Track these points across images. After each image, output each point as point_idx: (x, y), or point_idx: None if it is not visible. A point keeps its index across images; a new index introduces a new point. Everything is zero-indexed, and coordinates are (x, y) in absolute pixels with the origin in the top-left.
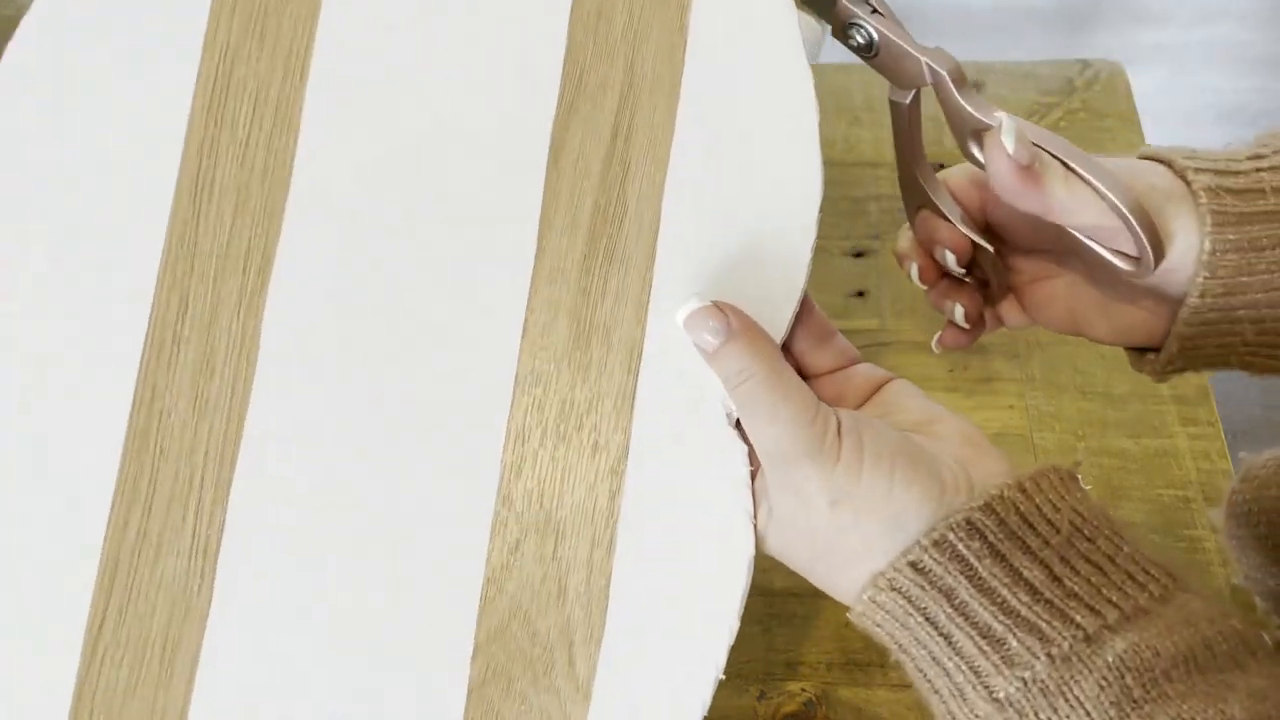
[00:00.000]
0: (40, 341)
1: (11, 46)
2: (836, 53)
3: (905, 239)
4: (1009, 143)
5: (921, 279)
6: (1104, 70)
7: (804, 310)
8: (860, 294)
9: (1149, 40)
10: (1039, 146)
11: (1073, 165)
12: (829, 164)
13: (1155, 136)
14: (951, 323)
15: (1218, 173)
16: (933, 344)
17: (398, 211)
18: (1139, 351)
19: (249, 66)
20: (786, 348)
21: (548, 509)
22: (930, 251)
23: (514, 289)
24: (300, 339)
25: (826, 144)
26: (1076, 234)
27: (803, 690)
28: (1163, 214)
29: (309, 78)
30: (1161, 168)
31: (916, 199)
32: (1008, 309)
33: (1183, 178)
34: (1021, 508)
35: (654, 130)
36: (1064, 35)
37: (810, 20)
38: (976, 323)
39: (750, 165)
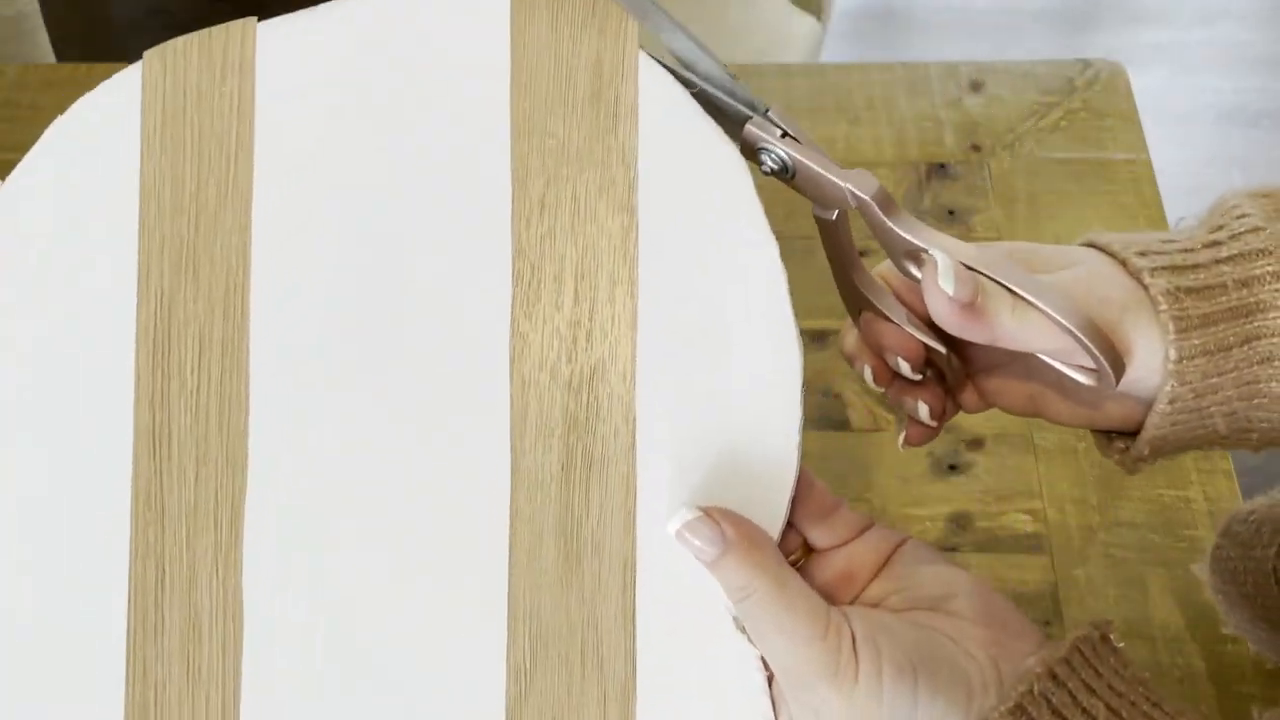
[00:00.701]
0: (22, 623)
1: None
2: (836, 53)
3: (851, 339)
4: (947, 285)
5: (876, 381)
6: (1104, 70)
7: (804, 487)
8: None
9: (1149, 40)
10: (980, 272)
11: (1018, 290)
12: None
13: (1155, 136)
14: (914, 419)
15: (1174, 270)
16: (899, 444)
17: (361, 446)
18: (1105, 435)
19: (187, 310)
20: (791, 524)
21: None
22: (879, 354)
23: (493, 510)
24: (283, 592)
25: (827, 144)
26: (1035, 354)
27: None
28: (1121, 325)
29: (250, 314)
30: (1113, 270)
31: (857, 303)
32: (965, 395)
33: (1138, 280)
34: (1054, 700)
35: (617, 324)
36: (1064, 35)
37: (810, 20)
38: (940, 416)
39: (721, 349)
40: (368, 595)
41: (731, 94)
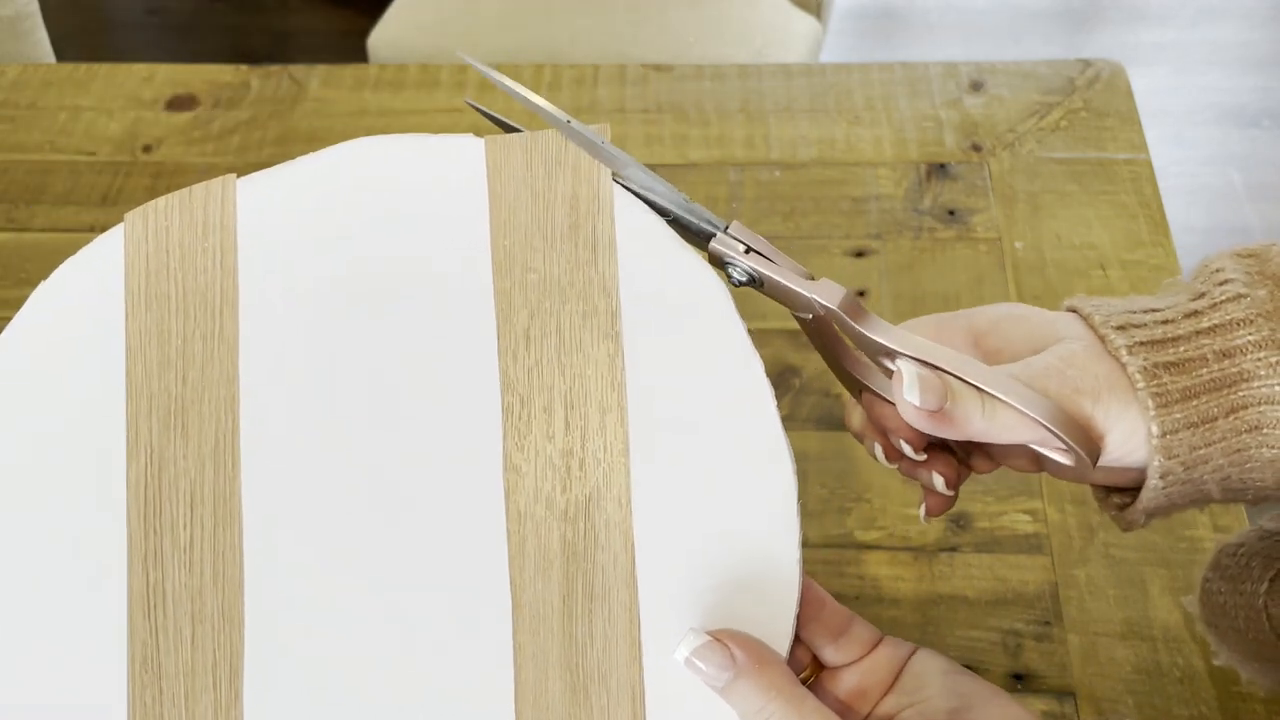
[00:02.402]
0: None
1: None
2: (836, 52)
3: (857, 417)
4: (913, 397)
5: (888, 460)
6: (1104, 70)
7: (815, 606)
8: (860, 294)
9: (1149, 40)
10: (949, 373)
11: (987, 389)
12: (829, 164)
13: (1155, 136)
14: (929, 489)
15: (1153, 345)
16: (921, 517)
17: (359, 593)
18: (1103, 490)
19: (178, 465)
20: (801, 641)
21: None
22: (884, 435)
23: (497, 646)
24: None
25: (827, 144)
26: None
27: None
28: (1100, 405)
29: (241, 466)
30: (1092, 346)
31: (856, 385)
32: (976, 459)
33: (1116, 358)
34: None
35: (608, 451)
36: (1064, 35)
37: (810, 20)
38: (955, 484)
39: (715, 470)
40: None
41: (691, 214)
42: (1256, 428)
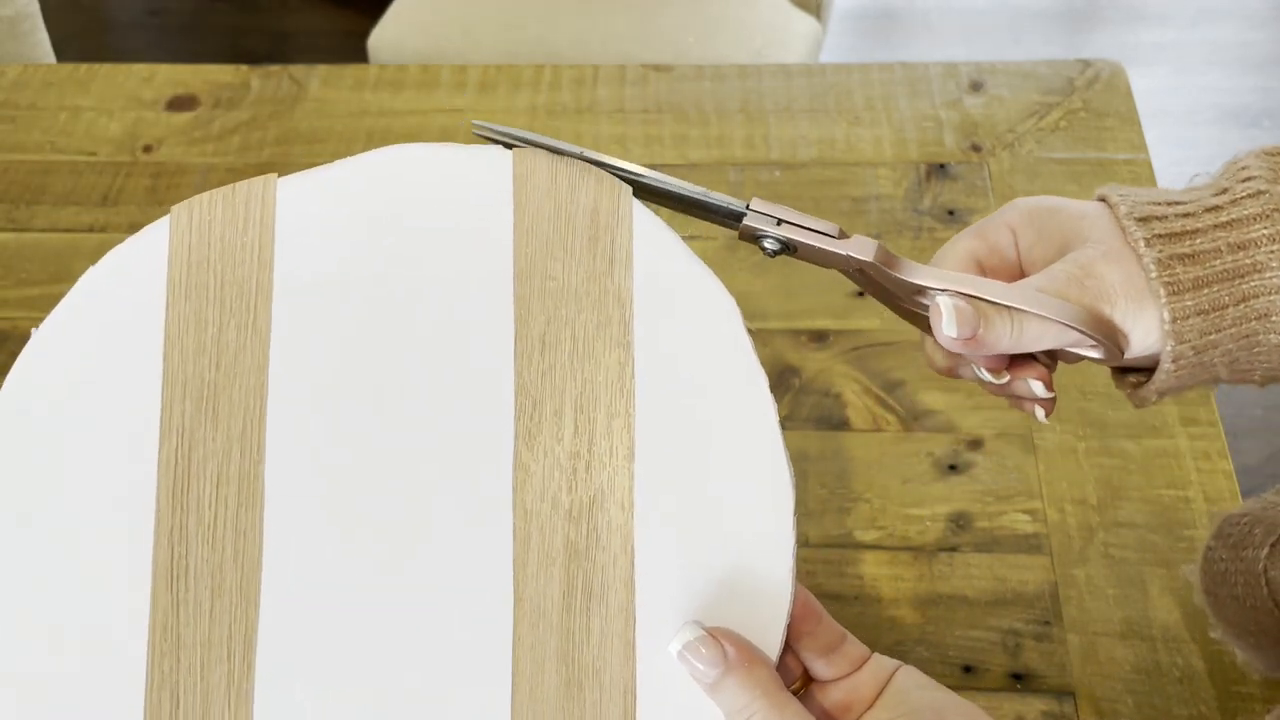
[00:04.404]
0: None
1: None
2: (836, 52)
3: (938, 354)
4: (949, 328)
5: (994, 375)
6: (1104, 70)
7: (812, 620)
8: (860, 294)
9: (1149, 40)
10: (979, 298)
11: (1014, 305)
12: (829, 164)
13: (1155, 136)
14: (1033, 400)
15: (1170, 237)
16: (1042, 419)
17: (370, 576)
18: (1120, 371)
19: (206, 447)
20: (794, 653)
21: None
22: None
23: (496, 639)
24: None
25: (826, 144)
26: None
27: None
28: (1118, 308)
29: (266, 450)
30: (1107, 249)
31: (922, 324)
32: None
33: (1133, 249)
34: None
35: (614, 456)
36: (1064, 35)
37: (810, 20)
38: (1050, 383)
39: (716, 479)
40: (372, 709)
41: (713, 199)
42: (1265, 315)
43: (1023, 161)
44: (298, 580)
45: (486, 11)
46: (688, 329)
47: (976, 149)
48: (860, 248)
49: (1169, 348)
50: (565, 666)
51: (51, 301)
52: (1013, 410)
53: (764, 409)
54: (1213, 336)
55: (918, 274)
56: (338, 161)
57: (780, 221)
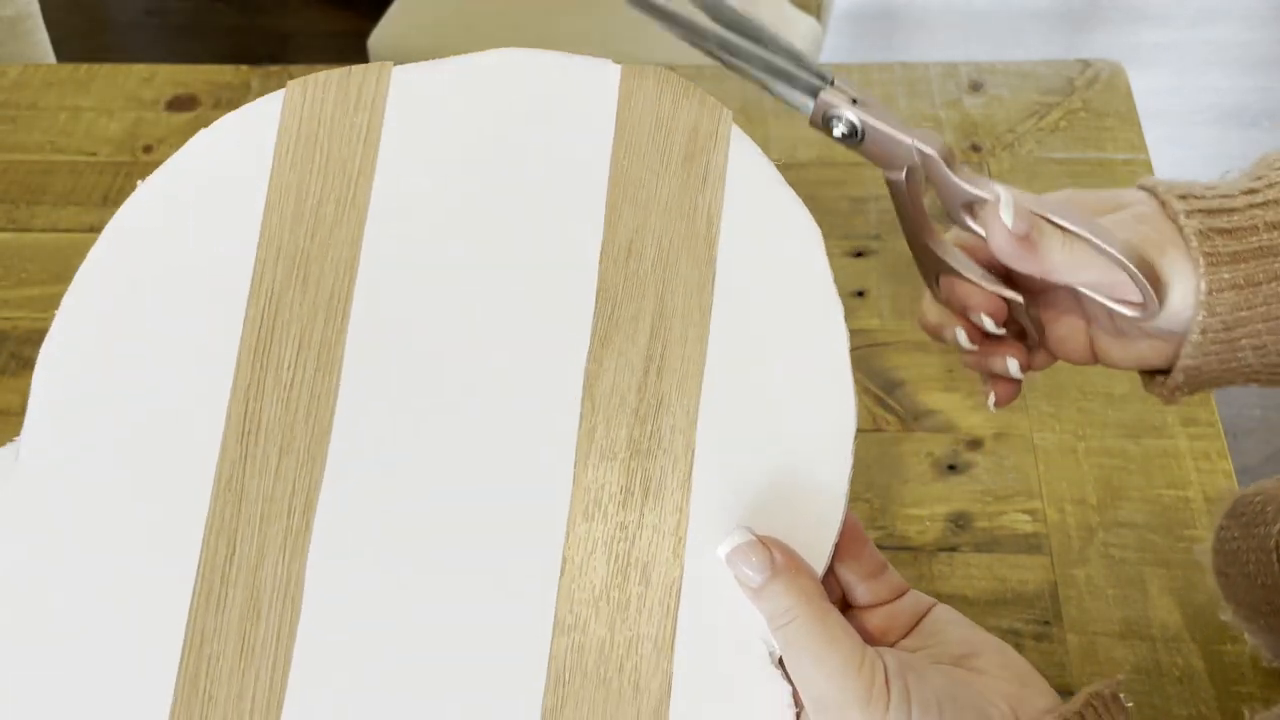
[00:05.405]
0: (94, 579)
1: (67, 299)
2: (836, 52)
3: (933, 310)
4: (1007, 217)
5: (971, 341)
6: (1104, 70)
7: (858, 545)
8: (860, 294)
9: (1149, 40)
10: (1036, 214)
11: (1069, 226)
12: (829, 164)
13: (1155, 136)
14: (997, 378)
15: (1209, 213)
16: (990, 406)
17: (435, 452)
18: (1149, 374)
19: (292, 311)
20: (835, 575)
21: None
22: (964, 315)
23: (551, 525)
24: (342, 582)
25: (826, 144)
26: (1082, 289)
27: None
28: (1160, 260)
29: (350, 321)
30: (1156, 213)
31: (934, 267)
32: (1037, 356)
33: (1175, 222)
34: None
35: (685, 363)
36: (1064, 35)
37: (810, 20)
38: (1027, 368)
39: (781, 399)
40: (422, 593)
41: (800, 65)
42: None
43: (1022, 162)
44: (364, 450)
45: (487, 12)
46: (771, 252)
47: (976, 149)
48: (926, 138)
49: (1200, 318)
50: (615, 558)
51: (52, 301)
52: (1012, 410)
53: (837, 336)
54: (1244, 313)
55: (977, 182)
56: (454, 57)
57: (855, 101)
